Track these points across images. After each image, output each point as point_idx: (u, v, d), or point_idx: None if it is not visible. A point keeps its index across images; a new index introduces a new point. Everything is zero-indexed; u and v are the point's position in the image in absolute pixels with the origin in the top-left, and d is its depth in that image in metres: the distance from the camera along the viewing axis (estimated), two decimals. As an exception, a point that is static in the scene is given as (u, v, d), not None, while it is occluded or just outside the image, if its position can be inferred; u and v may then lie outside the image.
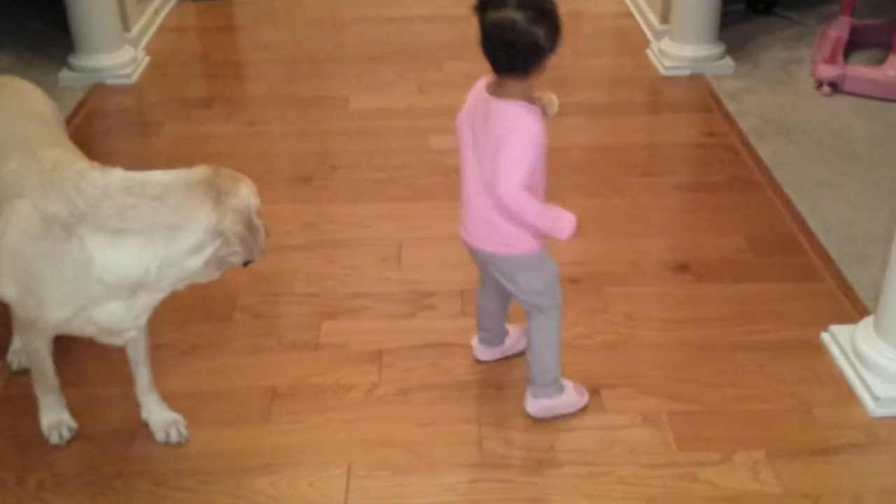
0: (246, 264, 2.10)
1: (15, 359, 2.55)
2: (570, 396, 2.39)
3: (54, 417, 2.33)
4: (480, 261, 2.31)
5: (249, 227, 2.00)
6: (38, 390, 2.31)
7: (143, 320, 2.11)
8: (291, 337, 2.68)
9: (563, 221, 2.12)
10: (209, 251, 1.98)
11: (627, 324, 2.72)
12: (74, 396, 2.40)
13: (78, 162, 2.07)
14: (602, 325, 2.72)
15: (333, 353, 2.62)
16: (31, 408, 2.35)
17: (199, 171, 1.99)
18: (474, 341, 2.57)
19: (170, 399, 2.38)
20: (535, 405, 2.38)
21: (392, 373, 2.54)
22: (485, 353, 2.56)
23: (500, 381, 2.51)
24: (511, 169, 2.02)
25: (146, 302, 2.05)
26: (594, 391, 2.46)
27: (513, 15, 1.96)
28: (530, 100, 2.09)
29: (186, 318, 2.72)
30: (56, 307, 2.00)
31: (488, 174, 2.07)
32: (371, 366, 2.56)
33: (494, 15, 1.98)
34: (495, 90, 2.09)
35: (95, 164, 2.08)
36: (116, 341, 2.17)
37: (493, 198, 2.07)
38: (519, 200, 2.03)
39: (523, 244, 2.19)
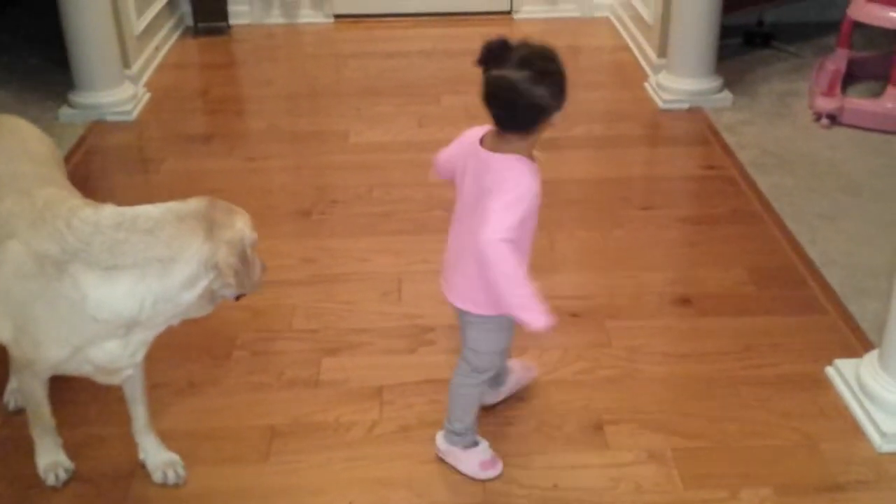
0: (238, 298, 2.08)
1: (12, 398, 2.52)
2: (473, 464, 2.29)
3: (50, 459, 2.30)
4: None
5: (244, 259, 1.97)
6: (33, 431, 2.28)
7: (139, 357, 2.09)
8: (290, 374, 2.66)
9: (533, 309, 1.96)
10: (203, 284, 1.95)
11: (630, 358, 2.70)
12: (71, 437, 2.37)
13: (70, 199, 2.06)
14: (604, 359, 2.69)
15: (333, 390, 2.59)
16: (28, 448, 2.32)
17: (193, 203, 1.97)
18: None
19: (167, 438, 2.35)
20: (443, 443, 2.33)
21: (393, 410, 2.51)
22: (491, 397, 2.48)
23: (501, 419, 2.48)
24: (501, 217, 1.93)
25: (142, 338, 2.03)
26: (597, 427, 2.44)
27: (514, 75, 1.91)
28: (531, 156, 2.03)
29: (184, 356, 2.69)
30: (52, 347, 1.98)
31: (474, 225, 1.99)
32: (371, 402, 2.54)
33: (496, 73, 1.93)
34: (494, 144, 2.02)
35: (89, 201, 2.06)
36: (114, 380, 2.15)
37: (474, 246, 1.97)
38: (500, 251, 1.92)
39: (491, 307, 2.09)
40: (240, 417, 2.50)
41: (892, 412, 2.39)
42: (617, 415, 2.48)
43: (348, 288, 3.04)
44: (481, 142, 2.05)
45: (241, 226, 2.00)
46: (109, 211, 1.97)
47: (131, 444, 2.34)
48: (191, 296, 1.96)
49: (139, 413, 2.30)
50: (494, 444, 2.38)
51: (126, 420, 2.32)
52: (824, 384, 2.58)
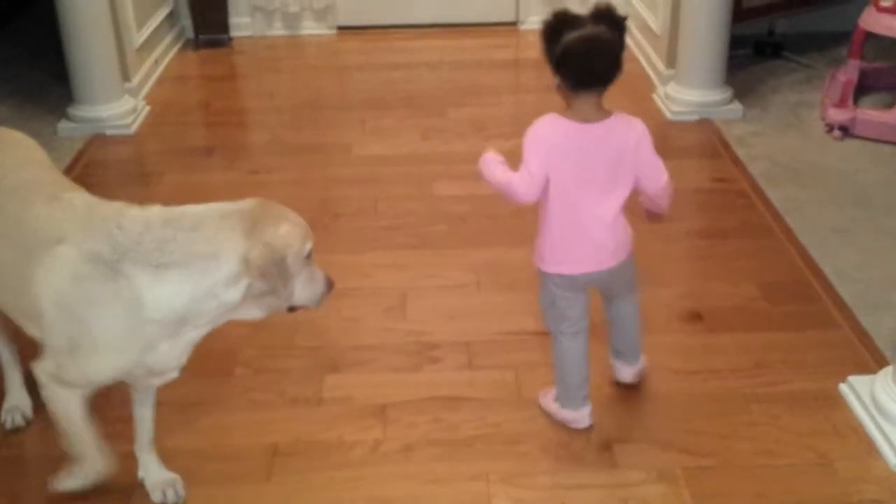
0: (291, 309, 2.07)
1: (9, 417, 2.49)
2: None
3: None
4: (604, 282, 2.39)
5: (280, 264, 1.93)
6: (74, 452, 2.15)
7: (185, 359, 2.07)
8: (293, 392, 2.62)
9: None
10: (244, 283, 1.93)
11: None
12: (65, 457, 2.32)
13: (111, 201, 2.06)
14: (612, 376, 2.64)
15: (336, 409, 2.55)
16: (26, 468, 2.30)
17: (244, 203, 1.99)
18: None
19: (169, 457, 2.32)
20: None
21: (397, 428, 2.47)
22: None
23: (508, 437, 2.44)
24: (660, 162, 2.27)
25: (189, 339, 2.02)
26: (606, 446, 2.40)
27: (597, 31, 2.09)
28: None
29: (185, 373, 2.62)
30: (111, 355, 1.96)
31: (619, 193, 2.23)
32: (375, 421, 2.50)
33: (584, 33, 2.09)
34: (596, 114, 2.18)
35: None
36: (156, 382, 2.13)
37: (658, 193, 2.27)
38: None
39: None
40: (242, 436, 2.47)
41: (908, 430, 2.34)
42: (626, 433, 2.44)
43: (351, 303, 2.99)
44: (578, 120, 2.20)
45: (285, 231, 1.97)
46: (157, 210, 1.99)
47: (131, 463, 2.30)
48: (235, 295, 1.94)
49: (145, 426, 2.25)
50: (500, 463, 2.35)
51: (125, 439, 2.28)
52: (838, 401, 2.54)
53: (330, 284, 2.11)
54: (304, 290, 2.03)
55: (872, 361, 2.65)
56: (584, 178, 2.21)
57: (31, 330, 2.08)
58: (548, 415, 2.49)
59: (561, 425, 2.46)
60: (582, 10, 2.16)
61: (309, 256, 2.03)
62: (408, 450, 2.41)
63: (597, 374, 2.64)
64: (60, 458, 2.29)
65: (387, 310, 2.97)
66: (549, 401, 2.50)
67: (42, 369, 2.03)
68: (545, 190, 2.23)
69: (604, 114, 2.19)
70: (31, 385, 2.50)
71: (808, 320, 2.87)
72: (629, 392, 2.59)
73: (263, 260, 1.91)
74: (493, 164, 2.30)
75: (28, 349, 2.60)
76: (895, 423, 2.36)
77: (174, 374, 2.09)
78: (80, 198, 2.07)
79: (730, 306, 2.95)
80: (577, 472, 2.33)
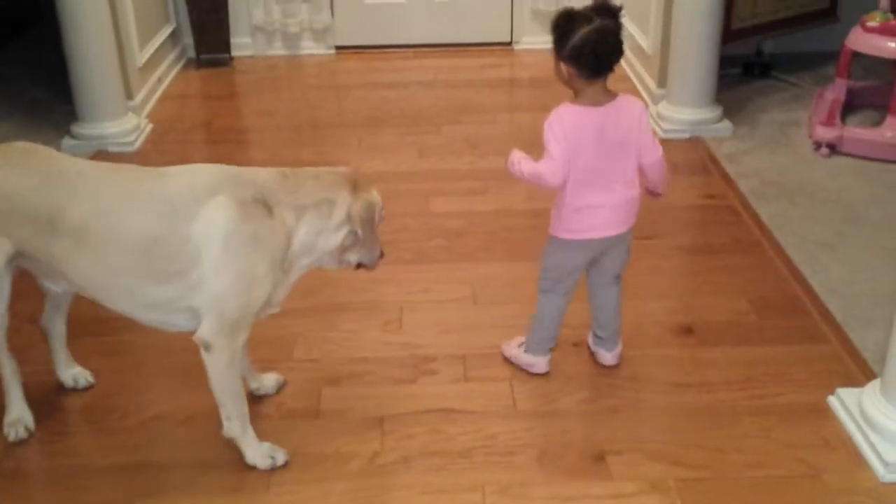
0: (358, 266, 2.43)
1: (12, 430, 2.50)
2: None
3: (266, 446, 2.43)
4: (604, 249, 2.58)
5: (371, 220, 2.32)
6: (236, 429, 2.37)
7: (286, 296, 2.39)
8: (291, 404, 2.65)
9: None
10: (343, 232, 2.30)
11: (632, 388, 2.69)
12: (67, 469, 2.37)
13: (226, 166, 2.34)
14: (606, 389, 2.69)
15: (334, 421, 2.58)
16: (30, 480, 2.31)
17: (342, 167, 2.39)
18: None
19: (167, 469, 2.34)
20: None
21: (394, 440, 2.50)
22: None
23: (504, 449, 2.47)
24: (655, 137, 2.54)
25: (294, 278, 2.34)
26: (599, 457, 2.43)
27: (606, 23, 2.32)
28: None
29: (184, 385, 2.68)
30: (265, 283, 2.22)
31: (630, 164, 2.48)
32: (372, 433, 2.53)
33: (597, 26, 2.31)
34: (605, 97, 2.41)
35: None
36: (267, 312, 2.35)
37: (654, 164, 2.51)
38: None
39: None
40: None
41: (894, 442, 2.38)
42: (619, 445, 2.47)
43: (349, 317, 3.03)
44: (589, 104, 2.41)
45: (376, 195, 2.35)
46: (271, 169, 2.31)
47: (130, 477, 2.32)
48: (335, 241, 2.31)
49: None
50: (497, 474, 2.38)
51: (123, 450, 2.28)
52: (827, 414, 2.57)
53: (382, 253, 2.45)
54: (372, 249, 2.39)
55: (860, 374, 2.69)
56: (601, 154, 2.43)
57: (151, 315, 2.29)
58: (508, 359, 2.77)
59: (556, 436, 2.50)
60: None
61: (378, 223, 2.39)
62: (405, 461, 2.43)
63: (591, 388, 2.70)
64: (63, 470, 2.33)
65: (384, 323, 3.00)
66: (511, 347, 2.79)
67: (204, 330, 2.23)
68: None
69: (611, 95, 2.43)
70: (32, 399, 2.56)
71: (798, 334, 2.91)
72: (623, 404, 2.62)
73: (365, 212, 2.29)
74: (519, 161, 2.51)
75: (28, 365, 2.65)
76: (883, 434, 2.39)
77: (277, 309, 2.38)
78: (186, 167, 2.31)
79: (721, 321, 2.99)
80: (572, 483, 2.35)
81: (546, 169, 2.43)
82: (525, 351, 2.74)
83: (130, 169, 2.34)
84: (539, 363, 2.73)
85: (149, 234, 2.18)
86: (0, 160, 2.28)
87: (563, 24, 2.36)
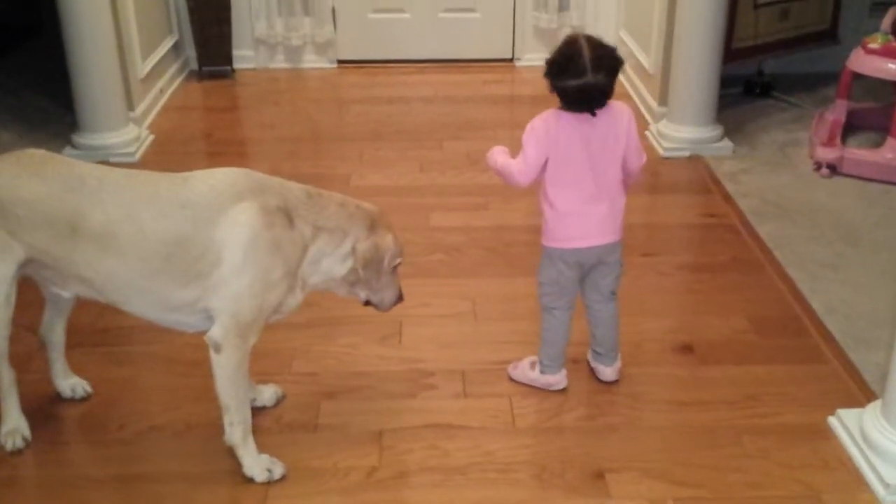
0: (366, 303, 2.47)
1: (9, 440, 2.49)
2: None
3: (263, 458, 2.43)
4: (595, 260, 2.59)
5: (377, 263, 2.36)
6: (237, 437, 2.37)
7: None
8: (289, 418, 2.64)
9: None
10: (349, 264, 2.35)
11: (631, 406, 2.68)
12: (62, 479, 2.35)
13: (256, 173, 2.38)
14: (605, 406, 2.68)
15: (332, 435, 2.57)
16: (26, 489, 2.30)
17: (369, 204, 2.42)
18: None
19: (163, 481, 2.33)
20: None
21: (392, 455, 2.49)
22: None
23: (502, 465, 2.46)
24: (640, 144, 2.58)
25: (304, 294, 2.39)
26: (598, 475, 2.42)
27: (594, 81, 2.36)
28: None
29: (182, 398, 2.68)
30: (279, 291, 2.27)
31: (615, 171, 2.50)
32: (370, 447, 2.52)
33: (581, 83, 2.36)
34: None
35: None
36: (275, 318, 2.39)
37: (637, 171, 2.56)
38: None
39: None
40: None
41: (895, 463, 2.37)
42: (618, 463, 2.46)
43: (348, 331, 3.03)
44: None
45: (389, 241, 2.39)
46: (299, 184, 2.36)
47: (130, 487, 2.30)
48: (341, 270, 2.36)
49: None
50: (494, 491, 2.36)
51: (114, 461, 2.28)
52: (827, 434, 2.57)
53: (400, 297, 2.50)
54: (383, 291, 2.43)
55: (861, 395, 2.69)
56: (586, 161, 2.46)
57: (169, 317, 2.32)
58: (524, 383, 2.74)
59: (555, 454, 2.49)
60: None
61: (395, 269, 2.43)
62: (403, 477, 2.42)
63: (590, 405, 2.69)
64: (58, 480, 2.31)
65: (383, 338, 3.00)
66: (523, 372, 2.76)
67: (217, 330, 2.25)
68: (554, 173, 2.48)
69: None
70: (29, 408, 2.55)
71: (798, 354, 2.91)
72: (622, 422, 2.62)
73: (369, 254, 2.33)
74: (497, 153, 2.58)
75: (26, 374, 2.64)
76: (883, 456, 2.39)
77: (282, 316, 2.41)
78: (212, 171, 2.33)
79: (720, 340, 2.98)
80: (570, 500, 2.34)
81: (516, 168, 2.49)
82: (542, 372, 2.72)
83: (149, 174, 2.36)
84: (558, 380, 2.72)
85: (175, 237, 2.20)
86: (16, 168, 2.28)
87: (557, 67, 2.39)
